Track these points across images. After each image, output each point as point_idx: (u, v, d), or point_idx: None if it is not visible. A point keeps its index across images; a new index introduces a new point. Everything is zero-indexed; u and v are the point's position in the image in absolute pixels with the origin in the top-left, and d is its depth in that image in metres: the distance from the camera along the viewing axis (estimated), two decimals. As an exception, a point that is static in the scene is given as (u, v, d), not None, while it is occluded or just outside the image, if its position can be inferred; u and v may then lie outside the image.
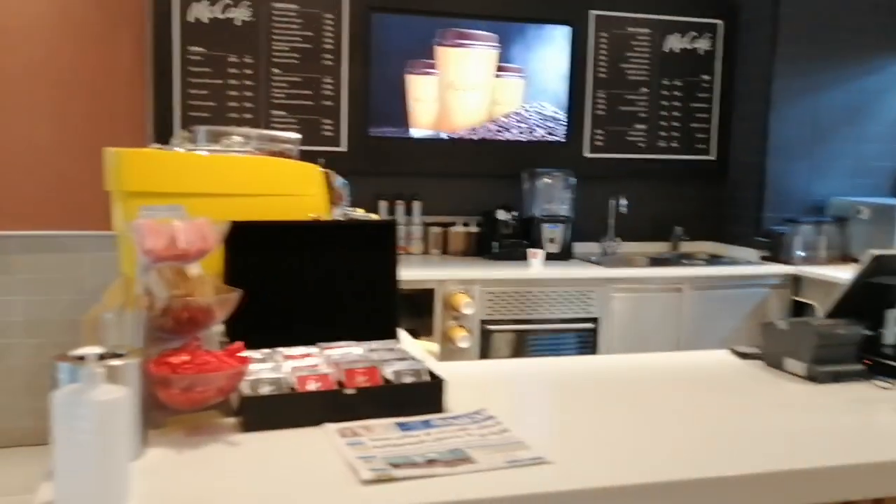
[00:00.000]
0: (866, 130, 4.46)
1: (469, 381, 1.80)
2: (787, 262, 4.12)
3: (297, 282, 1.72)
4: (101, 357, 1.20)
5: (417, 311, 3.51)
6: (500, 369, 2.04)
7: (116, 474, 1.08)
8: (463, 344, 3.52)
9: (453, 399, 1.53)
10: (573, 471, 1.27)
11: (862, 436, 1.52)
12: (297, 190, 1.72)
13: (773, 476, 1.32)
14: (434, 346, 2.44)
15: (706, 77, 4.54)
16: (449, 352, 3.47)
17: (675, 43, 4.45)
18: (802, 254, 4.14)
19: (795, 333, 1.90)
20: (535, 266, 3.86)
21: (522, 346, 3.72)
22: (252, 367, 1.48)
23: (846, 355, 1.87)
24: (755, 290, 4.03)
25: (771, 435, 1.50)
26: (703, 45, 4.50)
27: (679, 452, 1.39)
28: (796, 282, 4.04)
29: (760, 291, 4.03)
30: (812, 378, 1.82)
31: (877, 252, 1.94)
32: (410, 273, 3.59)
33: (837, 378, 1.82)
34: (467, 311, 3.53)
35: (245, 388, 1.42)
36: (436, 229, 4.15)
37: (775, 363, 1.93)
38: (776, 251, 4.19)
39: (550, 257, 3.99)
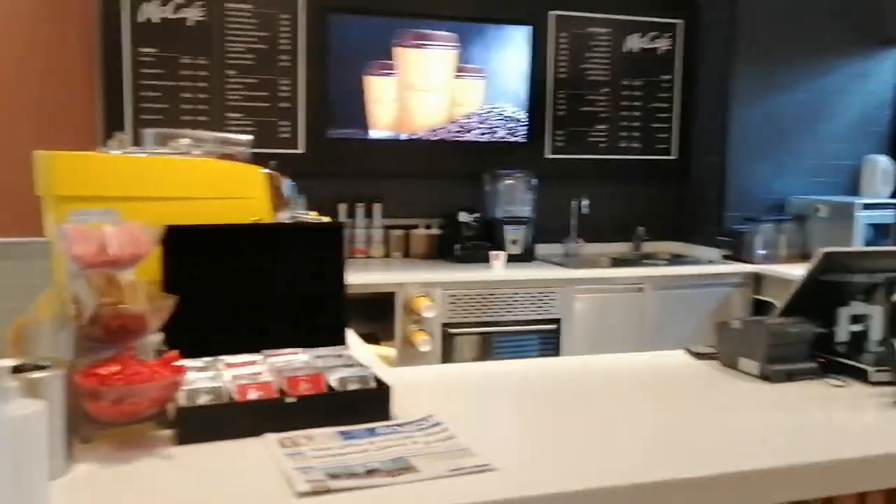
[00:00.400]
0: (825, 130, 4.50)
1: (420, 386, 1.76)
2: (748, 260, 4.14)
3: (241, 288, 1.67)
4: (20, 369, 1.14)
5: (378, 315, 3.46)
6: (454, 373, 2.01)
7: (31, 494, 1.02)
8: (424, 348, 3.48)
9: (401, 406, 1.49)
10: (518, 477, 1.23)
11: (815, 435, 1.51)
12: (238, 193, 1.67)
13: (725, 477, 1.30)
14: (390, 351, 2.40)
15: (667, 77, 4.55)
16: (410, 356, 3.43)
17: (635, 43, 4.46)
18: (763, 252, 4.17)
19: (749, 333, 1.88)
20: (498, 268, 3.83)
21: (485, 348, 3.69)
22: (189, 376, 1.42)
23: (799, 354, 1.85)
24: (717, 290, 4.04)
25: (724, 436, 1.48)
26: (663, 44, 4.51)
27: (628, 456, 1.36)
28: (757, 280, 4.06)
29: (722, 290, 4.04)
30: (766, 377, 1.80)
31: (827, 250, 1.93)
32: (371, 277, 3.55)
33: (791, 376, 1.81)
34: (428, 314, 3.49)
35: (181, 399, 1.37)
36: (397, 232, 4.11)
37: (730, 363, 1.91)
38: (737, 250, 4.21)
39: (513, 259, 3.96)
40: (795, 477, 1.35)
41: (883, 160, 4.45)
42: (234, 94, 3.84)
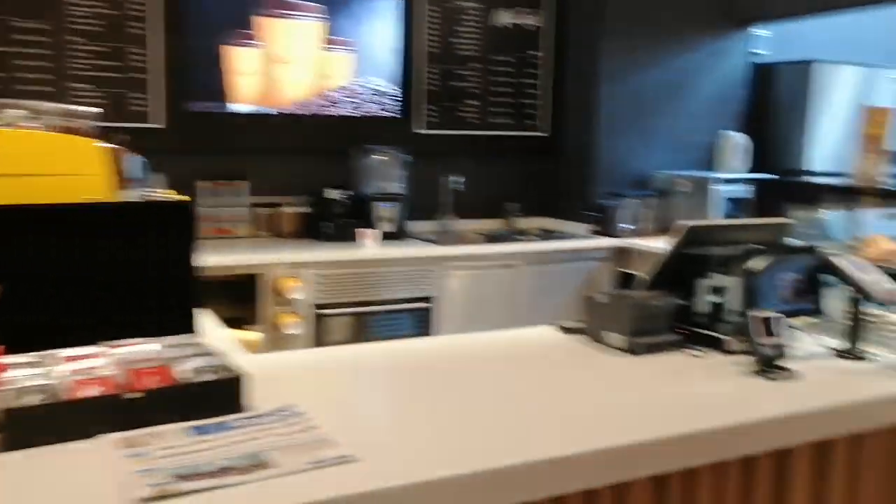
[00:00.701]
0: (685, 107, 4.66)
1: (284, 373, 1.67)
2: (614, 235, 4.24)
3: (78, 273, 1.51)
4: None
5: (244, 298, 3.31)
6: (322, 357, 1.92)
7: None
8: (292, 331, 3.36)
9: (262, 395, 1.40)
10: (382, 467, 1.17)
11: (676, 406, 1.53)
12: (71, 169, 1.51)
13: (593, 454, 1.29)
14: (255, 336, 2.29)
15: (536, 53, 4.57)
16: (278, 340, 3.31)
17: (504, 18, 4.45)
18: (628, 226, 4.28)
19: (613, 306, 1.90)
20: (369, 246, 3.75)
21: (359, 329, 3.61)
22: (14, 373, 1.28)
23: (662, 326, 1.89)
24: (586, 264, 4.12)
25: (590, 412, 1.48)
26: (531, 20, 4.53)
27: (496, 438, 1.33)
28: (623, 254, 4.16)
29: (590, 265, 4.12)
30: (630, 350, 1.82)
31: (691, 223, 1.97)
32: (235, 258, 3.38)
33: (654, 349, 1.84)
34: (297, 295, 3.37)
35: (7, 399, 1.22)
36: (264, 210, 3.95)
37: (596, 337, 1.92)
38: (604, 225, 4.31)
39: (385, 237, 3.89)
40: (658, 449, 1.36)
41: (738, 136, 4.66)
42: (80, 64, 3.55)
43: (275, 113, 3.93)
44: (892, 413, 1.68)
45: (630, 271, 4.12)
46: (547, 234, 4.43)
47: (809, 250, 2.00)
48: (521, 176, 4.62)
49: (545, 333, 2.04)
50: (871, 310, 1.93)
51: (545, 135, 4.65)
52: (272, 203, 3.97)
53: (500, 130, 4.52)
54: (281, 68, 3.90)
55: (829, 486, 1.61)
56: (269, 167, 3.97)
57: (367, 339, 3.53)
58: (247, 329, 2.70)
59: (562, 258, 4.06)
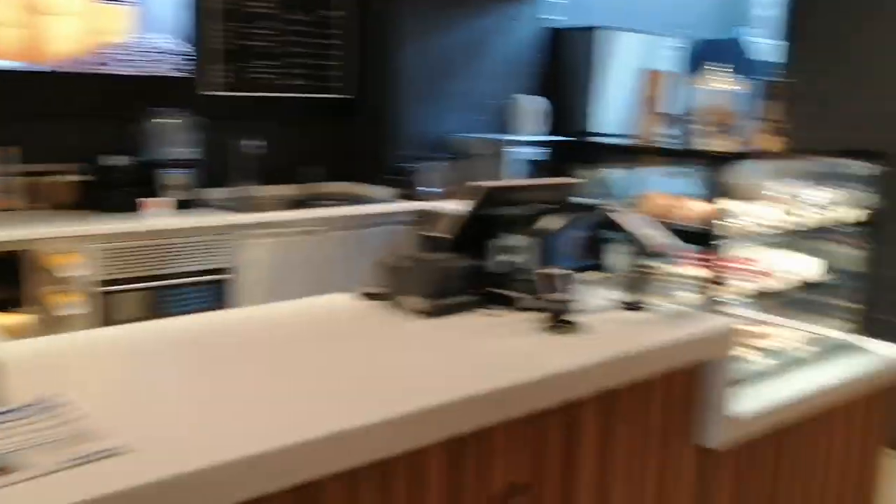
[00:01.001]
0: (481, 69, 4.73)
1: (47, 360, 1.50)
2: (418, 198, 4.25)
3: None
4: None
5: (9, 278, 2.97)
6: (94, 339, 1.73)
7: None
8: (69, 311, 3.06)
9: (19, 385, 1.24)
10: (154, 458, 1.06)
11: (468, 367, 1.53)
12: None
13: (382, 425, 1.25)
14: (18, 320, 2.04)
15: (335, 13, 4.44)
16: (54, 323, 3.00)
17: (299, -26, 4.28)
18: (432, 189, 4.30)
19: (410, 270, 1.87)
20: (159, 216, 3.50)
21: (151, 305, 3.37)
22: None
23: (461, 288, 1.89)
24: (390, 228, 4.10)
25: (388, 378, 1.44)
26: (328, -21, 4.39)
27: (282, 415, 1.25)
28: (426, 217, 4.18)
29: (395, 229, 4.11)
30: (428, 313, 1.81)
31: (488, 184, 1.98)
32: (3, 233, 3.03)
33: (452, 311, 1.83)
34: (74, 272, 3.07)
35: None
36: (34, 180, 3.56)
37: (396, 301, 1.89)
38: (408, 188, 4.30)
39: (179, 206, 3.64)
40: (454, 411, 1.35)
41: (533, 99, 4.81)
42: None
43: (46, 70, 3.54)
44: (670, 359, 1.78)
45: (433, 234, 4.15)
46: (351, 199, 4.35)
47: (594, 208, 2.08)
48: (323, 139, 4.50)
49: (344, 301, 1.98)
50: (651, 262, 2.05)
51: (347, 97, 4.55)
52: (47, 171, 3.59)
53: (300, 92, 4.36)
54: (44, 20, 3.50)
55: (613, 433, 1.69)
56: (42, 132, 3.58)
57: (161, 316, 3.30)
58: (12, 312, 2.42)
59: (367, 223, 4.01)
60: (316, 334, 1.73)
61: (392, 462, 1.28)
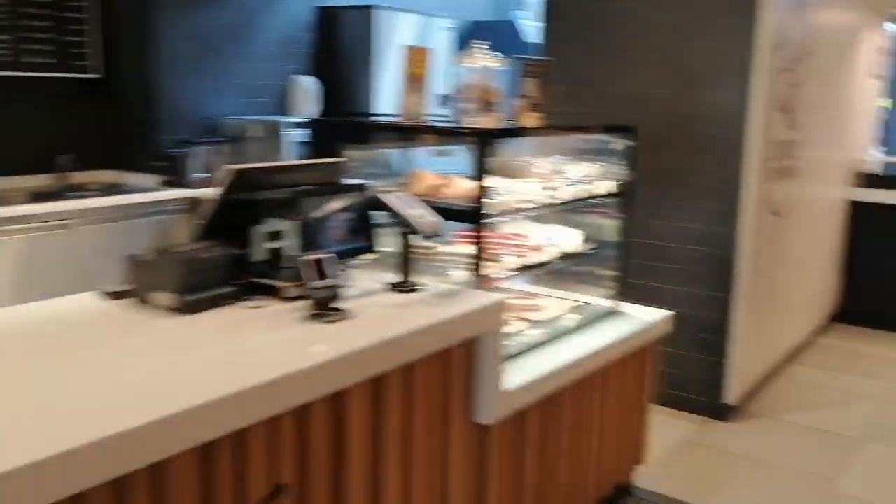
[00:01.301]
0: (253, 50, 4.52)
1: None
2: (187, 185, 3.98)
3: None
4: None
5: None
6: None
7: None
8: None
9: None
10: None
11: (225, 365, 1.40)
12: None
13: (115, 439, 1.10)
14: None
15: (81, -15, 4.02)
16: None
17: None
18: (202, 175, 4.04)
19: (159, 264, 1.71)
20: None
21: None
22: None
23: (217, 280, 1.75)
24: (158, 218, 3.80)
25: (130, 385, 1.29)
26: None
27: (9, 435, 1.07)
28: (198, 205, 3.93)
29: (164, 219, 3.82)
30: (181, 309, 1.65)
31: (237, 167, 1.84)
32: None
33: (206, 305, 1.69)
34: None
35: None
36: None
37: (144, 298, 1.72)
38: (175, 175, 4.02)
39: None
40: (205, 415, 1.23)
41: (307, 80, 4.67)
42: None
43: None
44: (440, 339, 1.76)
45: (192, 222, 3.91)
46: (110, 189, 3.98)
47: (360, 188, 2.01)
48: (74, 124, 4.07)
49: (86, 301, 1.77)
50: (420, 242, 2.02)
51: (98, 76, 4.14)
52: None
53: (40, 71, 3.90)
54: None
55: (385, 419, 1.64)
56: None
57: None
58: None
59: (130, 214, 3.69)
60: (51, 340, 1.52)
61: (130, 478, 1.14)
